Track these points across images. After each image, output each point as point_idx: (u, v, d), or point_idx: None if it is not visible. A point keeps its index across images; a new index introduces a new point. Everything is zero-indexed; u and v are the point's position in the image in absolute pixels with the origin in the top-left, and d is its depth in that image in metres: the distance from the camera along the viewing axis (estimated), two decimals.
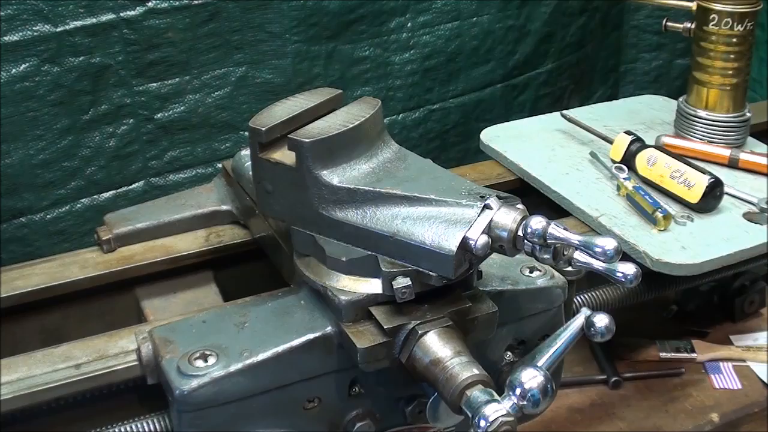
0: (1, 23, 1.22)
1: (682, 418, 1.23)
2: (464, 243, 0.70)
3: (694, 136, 1.35)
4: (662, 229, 1.12)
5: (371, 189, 0.77)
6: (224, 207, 1.11)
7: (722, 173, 1.21)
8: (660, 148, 1.27)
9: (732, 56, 1.30)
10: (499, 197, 0.74)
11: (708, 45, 1.31)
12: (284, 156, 0.80)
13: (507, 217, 0.72)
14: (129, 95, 1.37)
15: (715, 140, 1.34)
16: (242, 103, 1.47)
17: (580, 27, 1.85)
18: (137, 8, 1.32)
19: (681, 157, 1.23)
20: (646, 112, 1.50)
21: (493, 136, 1.40)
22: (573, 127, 1.39)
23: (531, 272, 0.87)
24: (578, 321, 0.79)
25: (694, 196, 1.16)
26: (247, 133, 0.85)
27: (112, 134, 1.38)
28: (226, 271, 1.09)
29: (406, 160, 0.82)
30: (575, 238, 0.69)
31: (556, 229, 0.69)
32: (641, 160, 1.24)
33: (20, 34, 1.24)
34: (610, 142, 1.29)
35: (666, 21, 1.37)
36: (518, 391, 0.68)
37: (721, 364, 1.33)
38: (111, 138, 1.37)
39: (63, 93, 1.30)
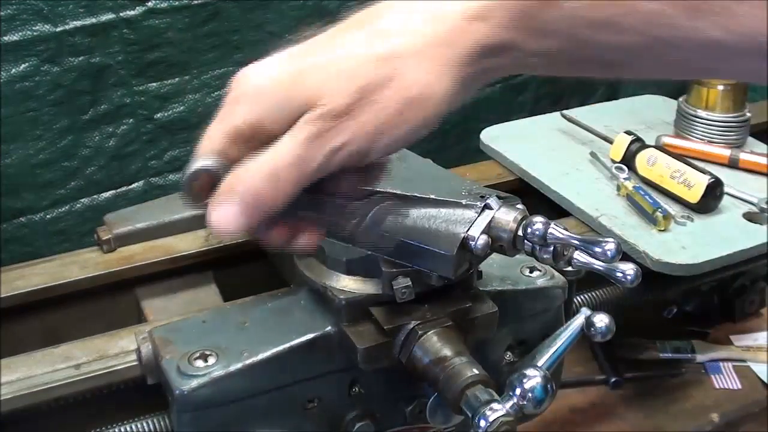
0: (1, 23, 1.22)
1: (683, 419, 1.23)
2: (464, 243, 0.70)
3: (694, 136, 1.35)
4: (662, 229, 1.12)
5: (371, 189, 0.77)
6: None
7: (722, 173, 1.21)
8: (660, 148, 1.26)
9: None
10: (499, 197, 0.74)
11: None
12: None
13: (507, 217, 0.72)
14: (129, 95, 1.37)
15: (715, 140, 1.34)
16: None
17: None
18: (137, 8, 1.32)
19: (681, 157, 1.23)
20: (646, 112, 1.50)
21: (493, 136, 1.40)
22: (573, 127, 1.38)
23: (531, 272, 0.87)
24: (578, 321, 0.79)
25: (694, 196, 1.16)
26: None
27: (112, 134, 1.38)
28: (226, 271, 1.09)
29: (406, 160, 0.82)
30: (575, 238, 0.69)
31: (556, 229, 0.69)
32: (641, 160, 1.24)
33: (20, 34, 1.24)
34: (610, 142, 1.29)
35: None
36: (518, 391, 0.68)
37: (721, 364, 1.33)
38: (111, 138, 1.37)
39: (63, 93, 1.30)
